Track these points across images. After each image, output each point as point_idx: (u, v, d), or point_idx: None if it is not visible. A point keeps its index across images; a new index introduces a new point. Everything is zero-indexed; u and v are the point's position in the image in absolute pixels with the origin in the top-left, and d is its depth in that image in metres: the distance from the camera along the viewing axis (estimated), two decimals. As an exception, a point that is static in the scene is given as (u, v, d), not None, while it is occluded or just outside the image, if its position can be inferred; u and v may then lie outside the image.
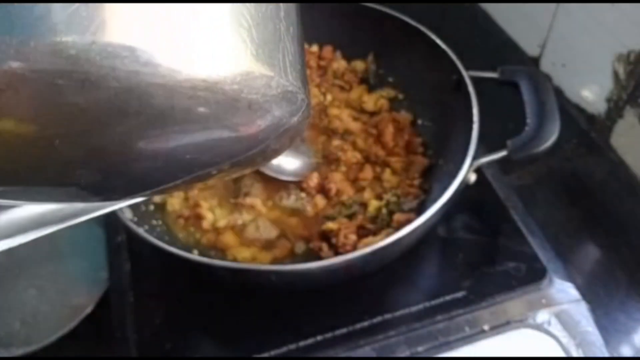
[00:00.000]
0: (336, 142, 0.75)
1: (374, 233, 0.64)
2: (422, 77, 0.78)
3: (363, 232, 0.64)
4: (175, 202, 0.69)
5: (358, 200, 0.68)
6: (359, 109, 0.80)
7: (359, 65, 0.83)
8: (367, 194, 0.69)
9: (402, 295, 0.64)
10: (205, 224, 0.66)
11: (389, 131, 0.74)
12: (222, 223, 0.67)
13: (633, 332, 0.71)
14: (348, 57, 0.83)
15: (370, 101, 0.79)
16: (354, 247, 0.61)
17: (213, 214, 0.67)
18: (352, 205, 0.68)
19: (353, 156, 0.73)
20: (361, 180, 0.71)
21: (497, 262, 0.66)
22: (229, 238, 0.66)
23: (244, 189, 0.70)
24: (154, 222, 0.67)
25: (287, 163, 0.71)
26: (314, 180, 0.70)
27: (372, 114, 0.79)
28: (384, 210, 0.65)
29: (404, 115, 0.77)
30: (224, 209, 0.68)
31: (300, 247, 0.65)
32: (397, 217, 0.64)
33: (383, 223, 0.65)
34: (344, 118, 0.76)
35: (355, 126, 0.76)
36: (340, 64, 0.82)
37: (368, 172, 0.71)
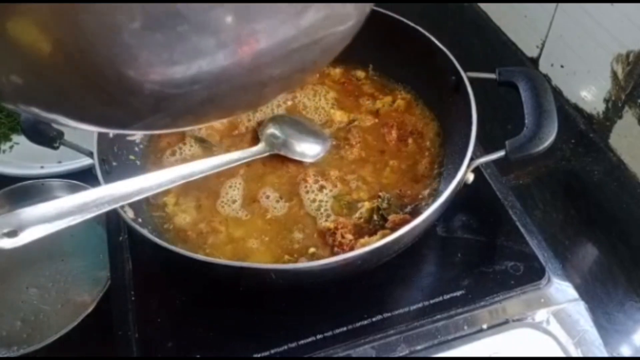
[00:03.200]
0: (341, 134, 0.76)
1: (370, 233, 0.64)
2: (420, 78, 0.78)
3: (359, 232, 0.65)
4: (184, 219, 0.68)
5: (355, 199, 0.69)
6: (367, 110, 0.80)
7: (359, 73, 0.84)
8: (362, 194, 0.69)
9: (402, 294, 0.64)
10: (221, 237, 0.66)
11: (393, 134, 0.75)
12: (238, 232, 0.67)
13: (631, 331, 0.71)
14: (345, 60, 0.84)
15: (386, 102, 0.80)
16: (351, 247, 0.62)
17: (226, 225, 0.67)
18: (350, 203, 0.68)
19: (355, 153, 0.73)
20: (361, 178, 0.71)
21: (495, 261, 0.66)
22: (249, 244, 0.66)
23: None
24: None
25: (309, 149, 0.73)
26: (311, 176, 0.70)
27: (378, 113, 0.79)
28: (375, 217, 0.65)
29: (410, 117, 0.77)
30: (236, 219, 0.68)
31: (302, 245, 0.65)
32: (393, 217, 0.64)
33: (377, 224, 0.65)
34: (345, 119, 0.77)
35: (358, 126, 0.77)
36: (335, 72, 0.84)
37: (368, 170, 0.72)
